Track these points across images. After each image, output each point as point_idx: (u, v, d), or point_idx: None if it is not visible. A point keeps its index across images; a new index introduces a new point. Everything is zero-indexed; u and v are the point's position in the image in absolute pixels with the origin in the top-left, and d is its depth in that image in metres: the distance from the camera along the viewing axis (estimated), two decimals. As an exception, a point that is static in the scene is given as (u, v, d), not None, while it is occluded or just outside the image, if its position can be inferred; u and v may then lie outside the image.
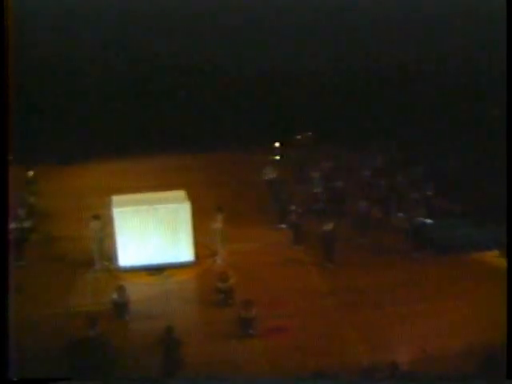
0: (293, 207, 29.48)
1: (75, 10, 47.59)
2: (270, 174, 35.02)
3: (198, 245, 27.01)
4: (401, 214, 30.78)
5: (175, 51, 48.21)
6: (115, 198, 27.13)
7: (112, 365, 19.00)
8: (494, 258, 26.66)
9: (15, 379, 14.65)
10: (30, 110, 42.16)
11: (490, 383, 16.85)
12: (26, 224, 28.69)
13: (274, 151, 38.34)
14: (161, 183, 33.21)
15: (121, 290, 22.70)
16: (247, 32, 49.32)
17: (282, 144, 38.82)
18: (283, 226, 29.89)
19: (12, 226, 27.51)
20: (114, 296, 22.62)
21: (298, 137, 39.77)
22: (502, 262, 25.09)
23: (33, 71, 44.98)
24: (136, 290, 23.83)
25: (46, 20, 46.79)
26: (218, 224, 26.91)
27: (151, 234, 26.20)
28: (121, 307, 22.54)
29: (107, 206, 26.76)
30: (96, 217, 26.74)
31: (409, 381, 18.16)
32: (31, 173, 35.22)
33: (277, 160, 37.07)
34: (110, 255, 26.55)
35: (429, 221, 28.55)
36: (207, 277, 25.42)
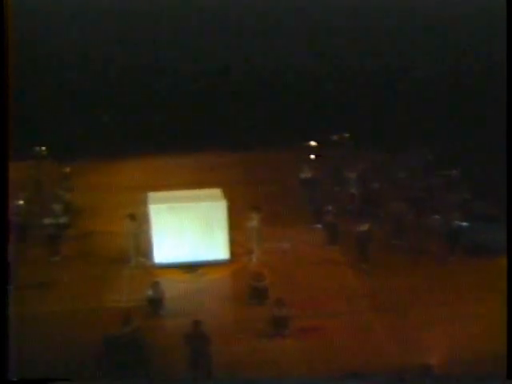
0: (328, 207, 29.33)
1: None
2: (305, 173, 34.92)
3: (233, 243, 26.98)
4: (437, 216, 30.52)
5: (217, 51, 48.57)
6: (151, 195, 27.22)
7: (147, 361, 19.10)
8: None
9: (15, 379, 14.73)
10: (68, 108, 42.70)
11: (490, 383, 16.68)
12: (62, 220, 28.90)
13: (311, 151, 38.19)
14: (197, 181, 33.34)
15: (156, 286, 22.76)
16: (287, 32, 49.55)
17: (318, 144, 38.69)
18: (319, 225, 29.78)
19: (47, 221, 27.81)
20: (149, 292, 22.67)
21: (335, 137, 39.62)
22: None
23: (70, 69, 45.58)
24: (170, 287, 23.81)
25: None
26: (253, 223, 26.87)
27: (187, 231, 26.20)
28: (155, 303, 22.58)
29: (143, 203, 26.84)
30: (131, 216, 26.80)
31: (440, 382, 18.02)
32: (67, 169, 35.53)
33: (313, 160, 36.90)
34: (146, 252, 26.63)
35: (465, 224, 28.21)
36: (242, 275, 25.33)
